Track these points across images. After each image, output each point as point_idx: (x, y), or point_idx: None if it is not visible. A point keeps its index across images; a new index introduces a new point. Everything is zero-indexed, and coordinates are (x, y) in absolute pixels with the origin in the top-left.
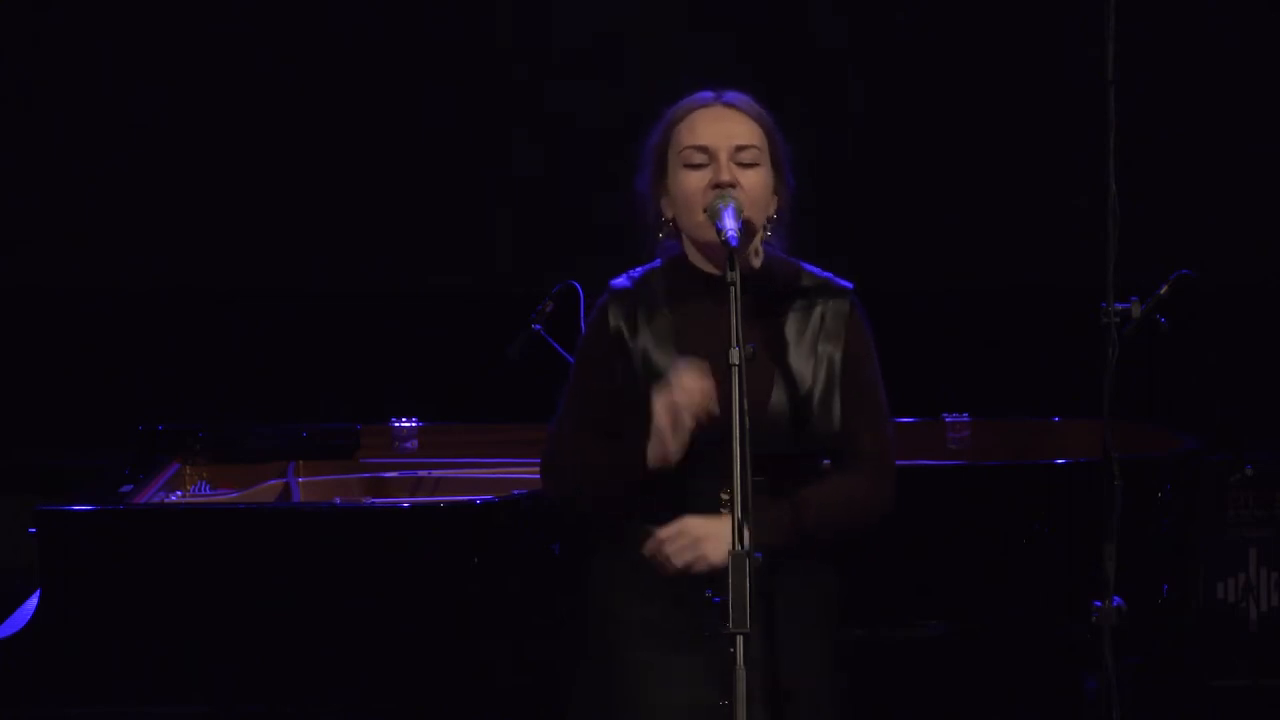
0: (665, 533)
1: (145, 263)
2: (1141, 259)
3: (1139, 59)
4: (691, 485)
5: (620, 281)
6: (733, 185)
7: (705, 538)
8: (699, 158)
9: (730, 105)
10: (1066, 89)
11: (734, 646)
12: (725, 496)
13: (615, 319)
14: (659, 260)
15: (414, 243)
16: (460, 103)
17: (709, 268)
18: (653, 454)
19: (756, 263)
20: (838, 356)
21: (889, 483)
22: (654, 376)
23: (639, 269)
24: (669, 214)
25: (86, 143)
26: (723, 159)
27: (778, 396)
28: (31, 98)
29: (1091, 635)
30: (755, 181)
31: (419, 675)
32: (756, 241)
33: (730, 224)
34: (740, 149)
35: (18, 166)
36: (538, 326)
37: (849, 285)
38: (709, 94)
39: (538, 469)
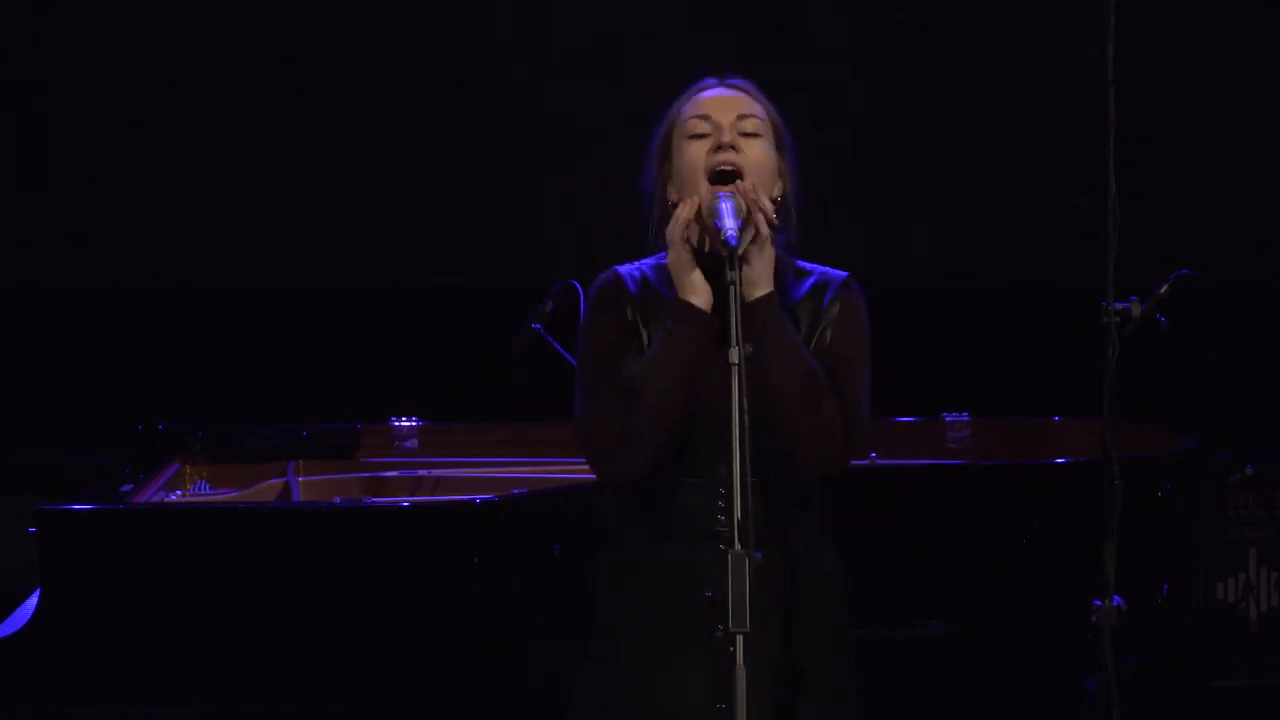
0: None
1: (145, 263)
2: (1141, 259)
3: (1139, 59)
4: (685, 483)
5: (628, 268)
6: (734, 148)
7: None
8: (703, 127)
9: (734, 85)
10: (1066, 89)
11: (734, 646)
12: (724, 491)
13: (626, 290)
14: (663, 255)
15: (414, 243)
16: (460, 103)
17: (708, 246)
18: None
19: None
20: (829, 338)
21: (849, 436)
22: None
23: (647, 260)
24: (673, 198)
25: (86, 143)
26: (725, 124)
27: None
28: (31, 98)
29: (1091, 635)
30: (759, 151)
31: (419, 675)
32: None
33: (729, 223)
34: (743, 118)
35: (18, 166)
36: (538, 326)
37: (844, 274)
38: (712, 79)
39: (541, 469)
